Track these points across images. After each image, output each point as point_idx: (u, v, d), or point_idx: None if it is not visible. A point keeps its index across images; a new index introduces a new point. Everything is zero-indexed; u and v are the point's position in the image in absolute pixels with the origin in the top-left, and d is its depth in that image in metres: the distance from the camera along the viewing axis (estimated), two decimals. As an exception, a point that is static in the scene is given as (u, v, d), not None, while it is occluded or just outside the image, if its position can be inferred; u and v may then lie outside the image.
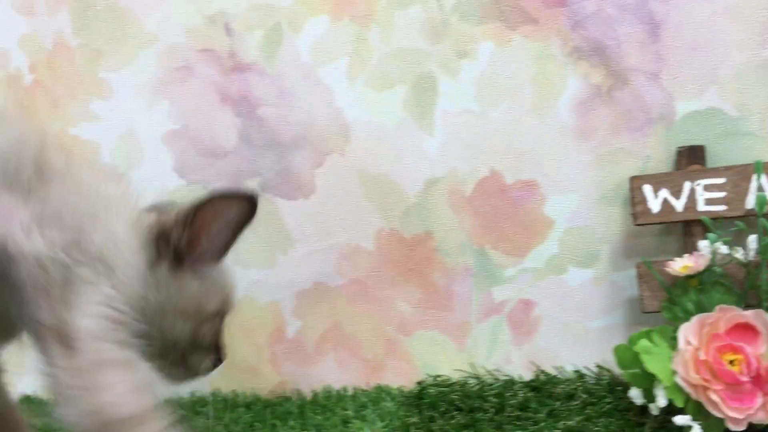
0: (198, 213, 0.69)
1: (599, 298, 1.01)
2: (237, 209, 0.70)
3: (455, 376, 1.06)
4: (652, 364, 0.84)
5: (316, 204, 1.09)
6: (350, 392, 1.09)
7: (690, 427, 0.80)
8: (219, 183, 1.13)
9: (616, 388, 0.94)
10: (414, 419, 0.97)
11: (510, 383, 1.02)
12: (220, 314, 0.74)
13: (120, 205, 0.68)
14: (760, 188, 0.87)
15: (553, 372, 1.02)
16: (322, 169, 1.09)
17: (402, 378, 1.09)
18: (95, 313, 0.62)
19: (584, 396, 0.95)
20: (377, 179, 1.07)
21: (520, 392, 0.99)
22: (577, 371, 1.01)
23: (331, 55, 1.06)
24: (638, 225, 0.93)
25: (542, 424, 0.90)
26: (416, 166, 1.05)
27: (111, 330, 0.62)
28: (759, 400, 0.80)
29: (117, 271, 0.64)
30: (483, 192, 1.04)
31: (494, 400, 0.98)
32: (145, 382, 0.64)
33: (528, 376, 1.03)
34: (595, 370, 1.00)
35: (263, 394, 1.12)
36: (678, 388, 0.82)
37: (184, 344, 0.72)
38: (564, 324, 1.03)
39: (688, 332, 0.83)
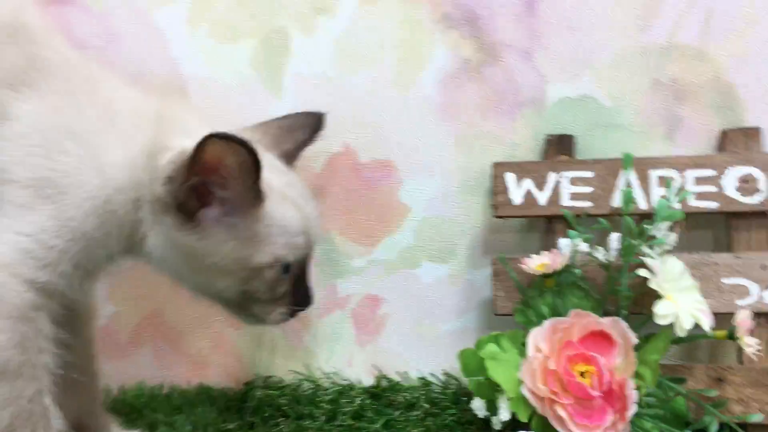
0: (192, 161, 0.60)
1: (453, 297, 0.91)
2: (229, 153, 0.60)
3: (288, 378, 0.93)
4: (496, 372, 0.73)
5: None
6: (166, 391, 0.94)
7: (532, 446, 0.71)
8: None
9: (461, 398, 0.85)
10: (231, 426, 0.83)
11: (348, 388, 0.90)
12: (282, 263, 0.66)
13: (127, 127, 0.64)
14: (627, 184, 0.79)
15: (396, 378, 0.91)
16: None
17: (228, 377, 0.95)
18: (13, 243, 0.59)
19: (426, 406, 0.85)
20: (214, 146, 0.93)
21: (358, 398, 0.87)
22: (422, 378, 0.90)
23: (170, -4, 0.91)
24: (498, 217, 0.83)
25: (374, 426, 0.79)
26: (260, 133, 0.92)
27: (27, 266, 0.59)
28: (609, 418, 0.71)
29: (67, 200, 0.60)
30: (334, 170, 0.91)
31: (327, 406, 0.86)
32: (22, 337, 0.58)
33: (369, 381, 0.91)
34: (442, 378, 0.90)
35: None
36: (523, 400, 0.72)
37: (233, 300, 0.67)
38: (413, 325, 0.92)
39: (538, 338, 0.73)
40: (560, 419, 0.71)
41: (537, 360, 0.72)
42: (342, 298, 0.93)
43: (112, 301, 0.96)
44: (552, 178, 0.82)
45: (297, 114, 0.78)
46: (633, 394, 0.71)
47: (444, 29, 0.87)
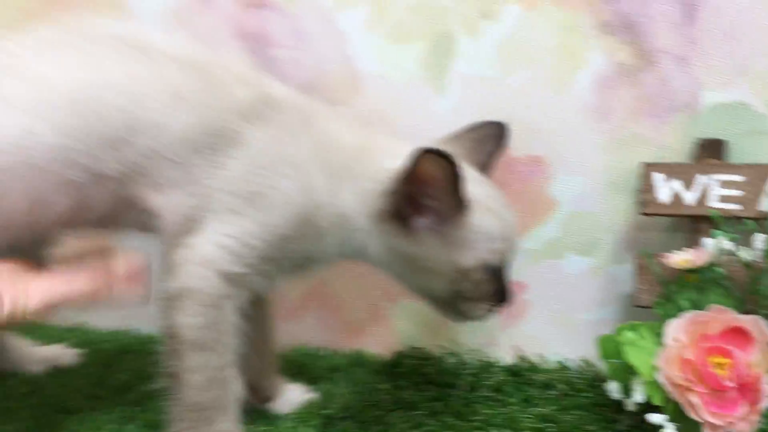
0: (407, 174, 0.70)
1: (594, 289, 0.96)
2: (440, 168, 0.68)
3: (435, 351, 1.01)
4: (633, 357, 0.78)
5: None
6: (325, 353, 1.06)
7: (663, 428, 0.75)
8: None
9: (596, 383, 0.89)
10: (383, 386, 0.93)
11: (488, 365, 0.97)
12: (486, 266, 0.75)
13: (334, 156, 0.74)
14: (772, 183, 0.81)
15: (535, 360, 0.97)
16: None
17: (380, 346, 1.05)
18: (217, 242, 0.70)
19: (562, 387, 0.91)
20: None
21: (498, 374, 0.94)
22: (559, 362, 0.96)
23: (352, 1, 1.02)
24: (644, 215, 0.88)
25: (514, 408, 0.86)
26: (423, 126, 1.01)
27: (226, 262, 0.70)
28: (742, 409, 0.74)
29: (275, 212, 0.71)
30: (489, 163, 0.99)
31: (469, 378, 0.94)
32: (222, 321, 0.70)
33: (508, 360, 0.98)
34: (579, 363, 0.95)
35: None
36: (658, 386, 0.76)
37: (444, 298, 0.77)
38: (554, 312, 0.98)
39: (677, 328, 0.77)
40: (693, 406, 0.75)
41: (674, 348, 0.76)
42: (488, 282, 1.00)
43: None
44: (701, 179, 0.85)
45: (482, 125, 0.85)
46: (766, 389, 0.73)
47: (601, 35, 0.93)
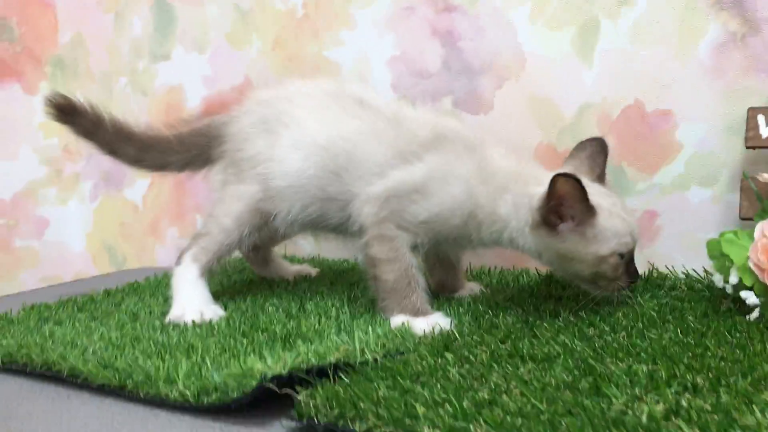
0: (549, 194, 0.98)
1: (715, 214, 1.19)
2: (571, 187, 0.95)
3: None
4: (730, 250, 1.02)
5: (492, 119, 1.38)
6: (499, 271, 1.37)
7: (752, 302, 0.98)
8: (422, 99, 1.47)
9: (711, 284, 1.12)
10: (540, 287, 1.22)
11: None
12: (617, 254, 1.00)
13: (489, 178, 1.06)
14: None
15: (663, 271, 1.22)
16: (501, 91, 1.38)
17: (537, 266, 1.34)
18: (382, 210, 1.08)
19: (685, 288, 1.15)
20: (542, 102, 1.33)
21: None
22: (685, 272, 1.19)
23: (518, 0, 1.34)
24: (749, 148, 1.11)
25: (640, 299, 1.11)
26: (575, 93, 1.30)
27: (384, 230, 1.08)
28: (815, 286, 0.95)
29: (446, 210, 1.07)
30: (626, 118, 1.26)
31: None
32: (396, 251, 1.07)
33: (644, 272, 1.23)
34: (702, 273, 1.18)
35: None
36: (749, 270, 0.99)
37: (587, 278, 1.03)
38: (681, 235, 1.22)
39: (765, 227, 1.00)
40: (775, 284, 0.97)
41: (762, 241, 0.99)
42: (628, 213, 1.27)
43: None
44: (795, 118, 1.07)
45: (587, 142, 1.11)
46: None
47: (716, 11, 1.17)
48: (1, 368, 1.03)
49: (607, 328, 0.97)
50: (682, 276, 1.20)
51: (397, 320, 1.05)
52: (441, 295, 1.22)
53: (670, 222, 1.23)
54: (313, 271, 1.47)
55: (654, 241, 1.25)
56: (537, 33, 1.33)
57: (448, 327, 1.02)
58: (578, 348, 0.89)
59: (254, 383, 0.80)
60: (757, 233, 1.00)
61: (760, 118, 1.10)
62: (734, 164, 1.17)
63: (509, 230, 1.06)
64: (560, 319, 1.03)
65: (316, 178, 1.13)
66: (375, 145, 1.11)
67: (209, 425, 0.82)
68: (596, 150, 1.11)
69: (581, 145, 1.12)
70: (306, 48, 1.62)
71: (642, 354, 0.86)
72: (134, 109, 1.95)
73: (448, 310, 1.11)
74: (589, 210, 0.98)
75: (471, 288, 1.24)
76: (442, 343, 0.95)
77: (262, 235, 1.22)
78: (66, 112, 1.22)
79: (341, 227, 1.16)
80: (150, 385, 0.87)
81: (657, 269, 1.22)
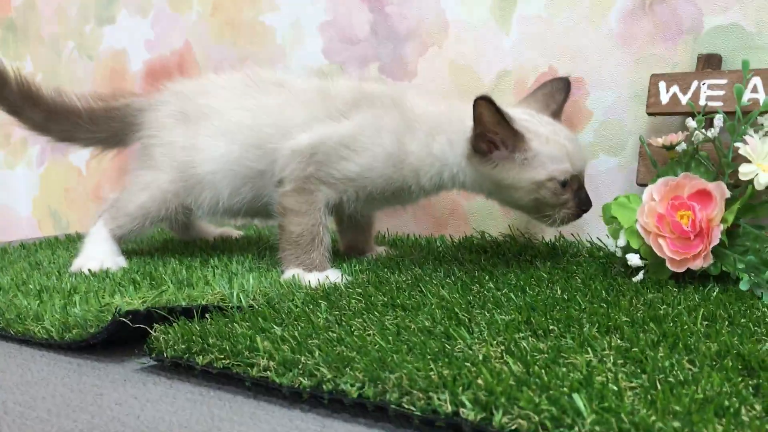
0: (473, 119, 0.98)
1: (621, 182, 1.20)
2: (485, 108, 0.96)
3: (495, 235, 1.29)
4: (618, 213, 1.02)
5: (416, 86, 1.38)
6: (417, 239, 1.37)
7: (635, 263, 0.98)
8: (351, 65, 1.47)
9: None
10: (449, 252, 1.22)
11: (530, 243, 1.23)
12: (556, 180, 1.00)
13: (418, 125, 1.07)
14: (745, 84, 1.01)
15: (570, 239, 1.22)
16: (424, 57, 1.38)
17: (458, 234, 1.35)
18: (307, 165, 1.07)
19: (586, 255, 1.15)
20: (462, 69, 1.33)
21: (537, 248, 1.20)
22: (589, 240, 1.20)
23: (443, -34, 1.34)
24: (650, 114, 1.11)
25: (538, 263, 1.12)
26: (493, 60, 1.30)
27: (304, 184, 1.07)
28: (698, 249, 0.96)
29: (375, 163, 1.06)
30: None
31: (515, 250, 1.20)
32: (308, 205, 1.06)
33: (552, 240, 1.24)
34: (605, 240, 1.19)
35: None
36: (636, 233, 1.00)
37: (531, 207, 1.03)
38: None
39: (653, 190, 1.00)
40: (660, 247, 0.97)
41: (649, 204, 1.00)
42: (540, 180, 1.27)
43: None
44: (694, 84, 1.07)
45: (551, 81, 1.12)
46: (718, 233, 0.94)
47: (628, -22, 1.17)
48: None
49: (491, 285, 0.97)
50: (588, 244, 1.20)
51: (289, 273, 1.05)
52: (349, 256, 1.23)
53: (579, 190, 1.23)
54: (236, 233, 1.47)
55: (563, 209, 1.25)
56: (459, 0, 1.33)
57: (339, 281, 1.02)
58: (453, 300, 0.90)
59: (110, 318, 0.80)
60: (645, 196, 1.01)
61: (661, 85, 1.10)
62: (640, 132, 1.17)
63: (449, 168, 1.06)
64: (451, 277, 1.03)
65: (243, 158, 1.13)
66: (299, 109, 1.12)
67: (68, 360, 0.82)
68: (556, 88, 1.11)
69: (544, 84, 1.12)
70: (243, 13, 1.61)
71: (510, 306, 0.86)
72: (80, 74, 1.95)
73: (347, 269, 1.11)
74: (515, 135, 0.99)
75: (379, 251, 1.24)
76: (323, 293, 0.95)
77: (174, 221, 1.22)
78: None
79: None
80: (20, 323, 0.88)
81: (563, 237, 1.23)
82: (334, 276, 1.04)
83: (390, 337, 0.75)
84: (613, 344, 0.71)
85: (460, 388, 0.59)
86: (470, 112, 0.99)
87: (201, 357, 0.74)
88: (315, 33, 1.51)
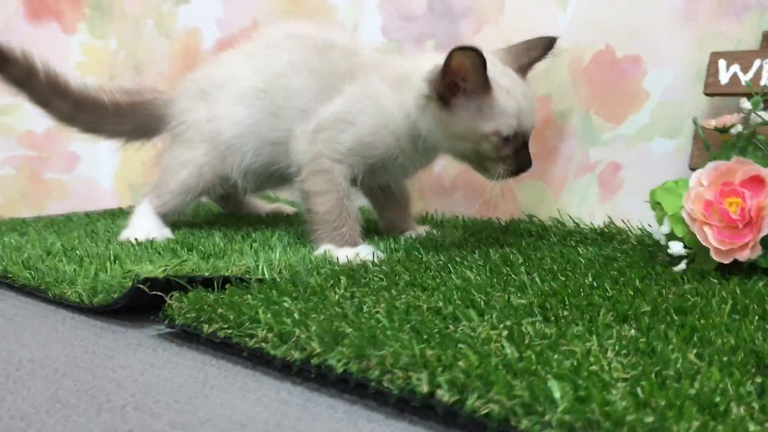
0: (445, 66, 0.96)
1: (678, 166, 1.13)
2: (470, 57, 0.94)
3: (547, 222, 1.25)
4: (663, 198, 0.96)
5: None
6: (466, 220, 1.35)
7: (676, 251, 0.93)
8: (408, 43, 1.45)
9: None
10: (495, 235, 1.19)
11: (579, 228, 1.18)
12: (500, 135, 0.99)
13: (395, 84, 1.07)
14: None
15: (620, 226, 1.16)
16: (480, 35, 1.34)
17: (507, 216, 1.31)
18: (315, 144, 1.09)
19: (634, 242, 1.09)
20: (518, 46, 1.29)
21: (583, 234, 1.15)
22: (641, 228, 1.14)
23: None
24: (707, 95, 1.04)
25: (581, 249, 1.07)
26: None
27: (330, 152, 1.08)
28: (746, 239, 0.89)
29: (363, 129, 1.07)
30: (597, 63, 1.20)
31: (561, 234, 1.16)
32: (330, 181, 1.07)
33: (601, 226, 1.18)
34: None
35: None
36: (681, 220, 0.94)
37: (472, 157, 1.04)
38: (643, 188, 1.16)
39: (702, 175, 0.94)
40: (705, 235, 0.91)
41: (696, 189, 0.93)
42: (592, 163, 1.21)
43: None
44: (756, 63, 0.99)
45: (537, 38, 1.09)
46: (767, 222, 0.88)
47: (691, -51, 1.10)
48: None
49: (522, 269, 0.94)
50: (639, 231, 1.14)
51: (321, 249, 1.05)
52: (389, 234, 1.22)
53: (632, 175, 1.17)
54: (289, 210, 1.48)
55: (616, 194, 1.19)
56: (516, -26, 1.29)
57: (369, 258, 1.02)
58: (476, 282, 0.87)
59: (130, 284, 0.82)
60: (692, 181, 0.95)
61: (721, 63, 1.02)
62: (700, 114, 1.10)
63: (416, 123, 1.05)
64: (484, 260, 1.00)
65: (261, 122, 1.16)
66: (305, 79, 1.13)
67: (93, 323, 0.85)
68: (535, 44, 1.09)
69: (528, 40, 1.10)
70: None
71: (530, 290, 0.83)
72: (157, 52, 2.01)
73: (383, 247, 1.10)
74: (485, 84, 0.97)
75: (420, 230, 1.23)
76: (348, 270, 0.95)
77: (217, 195, 1.28)
78: None
79: (290, 175, 1.16)
80: (57, 286, 0.92)
81: (614, 223, 1.17)
82: (364, 252, 1.03)
83: (395, 316, 0.74)
84: (623, 333, 0.67)
85: (440, 369, 0.58)
86: (438, 60, 0.98)
87: (207, 326, 0.75)
88: (374, 9, 1.50)
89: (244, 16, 1.77)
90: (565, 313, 0.75)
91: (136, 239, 1.14)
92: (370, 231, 1.25)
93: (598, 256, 1.03)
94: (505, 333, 0.68)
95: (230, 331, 0.73)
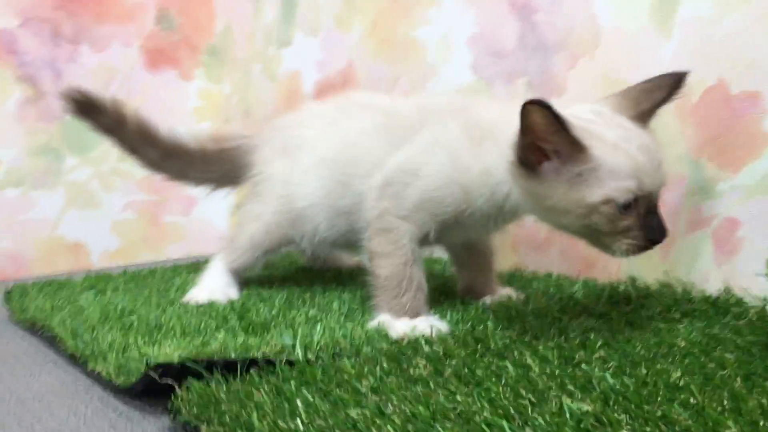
0: (521, 126, 0.81)
1: (809, 226, 0.92)
2: (540, 115, 0.78)
3: (652, 285, 1.07)
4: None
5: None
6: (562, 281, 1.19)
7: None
8: (498, 81, 1.32)
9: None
10: (585, 302, 1.04)
11: (689, 296, 1.00)
12: (615, 203, 0.81)
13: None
14: None
15: (739, 293, 0.97)
16: (575, 71, 1.19)
17: (607, 276, 1.15)
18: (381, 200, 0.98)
19: (755, 317, 0.90)
20: (617, 82, 1.13)
21: (695, 304, 0.97)
22: (764, 297, 0.94)
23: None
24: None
25: (684, 324, 0.90)
26: (651, 71, 1.08)
27: (394, 208, 0.97)
28: None
29: (406, 190, 0.96)
30: (708, 101, 1.02)
31: (666, 304, 0.98)
32: (392, 244, 0.96)
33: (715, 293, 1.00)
34: (785, 299, 0.92)
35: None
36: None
37: (585, 233, 0.86)
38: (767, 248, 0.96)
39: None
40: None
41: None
42: (705, 219, 1.03)
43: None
44: None
45: (661, 76, 0.90)
46: None
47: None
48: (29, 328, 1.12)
49: (600, 354, 0.79)
50: (761, 302, 0.94)
51: (377, 320, 0.95)
52: (467, 299, 1.09)
53: (754, 233, 0.97)
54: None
55: (734, 256, 1.00)
56: (613, 2, 1.13)
57: (427, 332, 0.90)
58: (533, 374, 0.74)
59: (142, 370, 0.76)
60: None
61: None
62: (836, 162, 0.89)
63: (500, 185, 0.90)
64: (558, 339, 0.86)
65: (333, 193, 1.08)
66: (373, 140, 1.04)
67: (115, 406, 0.81)
68: (659, 84, 0.89)
69: (650, 78, 0.91)
70: (398, 29, 1.54)
71: (596, 388, 0.69)
72: (264, 95, 2.01)
73: (449, 316, 0.99)
74: (572, 143, 0.80)
75: (504, 293, 1.09)
76: (394, 350, 0.84)
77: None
78: (83, 109, 1.23)
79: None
80: (92, 359, 0.88)
81: (732, 291, 0.98)
82: (423, 325, 0.92)
83: (414, 423, 0.62)
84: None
85: None
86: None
87: (205, 427, 0.67)
88: (464, 48, 1.39)
89: (340, 58, 1.72)
90: (628, 423, 0.60)
91: (197, 302, 1.09)
92: (447, 292, 1.13)
93: (703, 336, 0.85)
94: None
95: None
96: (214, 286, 1.15)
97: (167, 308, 1.07)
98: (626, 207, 0.82)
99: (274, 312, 1.01)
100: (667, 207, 1.06)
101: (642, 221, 0.83)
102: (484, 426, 0.62)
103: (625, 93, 0.90)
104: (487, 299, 1.08)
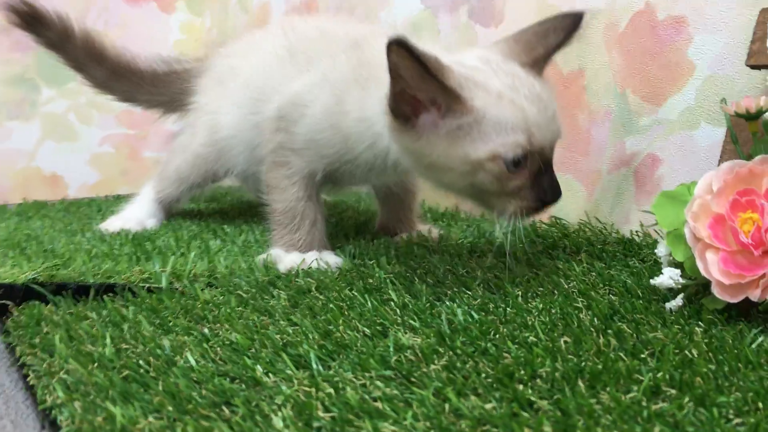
0: (389, 72, 0.69)
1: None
2: (401, 57, 0.67)
3: (574, 224, 1.01)
4: (661, 209, 0.72)
5: (502, 32, 1.13)
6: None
7: (665, 284, 0.69)
8: (443, 10, 1.25)
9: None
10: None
11: (604, 238, 0.94)
12: (503, 159, 0.71)
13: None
14: None
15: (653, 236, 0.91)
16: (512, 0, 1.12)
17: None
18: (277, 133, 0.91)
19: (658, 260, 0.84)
20: (550, 9, 1.05)
21: (610, 245, 0.91)
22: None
23: None
24: (750, 66, 0.76)
25: (582, 272, 0.84)
26: (583, -4, 1.01)
27: (278, 157, 0.91)
28: (761, 272, 0.63)
29: (297, 126, 0.89)
30: (635, 28, 0.94)
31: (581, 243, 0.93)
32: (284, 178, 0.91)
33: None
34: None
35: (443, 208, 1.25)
36: (682, 240, 0.69)
37: (470, 194, 0.77)
38: (685, 188, 0.89)
39: (714, 178, 0.68)
40: (706, 262, 0.66)
41: (702, 199, 0.68)
42: (628, 156, 0.96)
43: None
44: (818, 22, 0.70)
45: (556, 16, 0.79)
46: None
47: None
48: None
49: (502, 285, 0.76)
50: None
51: (268, 252, 0.92)
52: (379, 235, 1.05)
53: (673, 171, 0.91)
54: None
55: (653, 195, 0.93)
56: None
57: (314, 265, 0.87)
58: (382, 311, 0.70)
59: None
60: (699, 187, 0.69)
61: (773, 24, 0.74)
62: (754, 92, 0.82)
63: (381, 136, 0.80)
64: (442, 277, 0.82)
65: (245, 122, 1.01)
66: (275, 66, 0.97)
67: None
68: (556, 25, 0.79)
69: (545, 20, 0.80)
70: None
71: (425, 330, 0.65)
72: (239, 27, 1.96)
73: (357, 253, 0.94)
74: (447, 91, 0.69)
75: (424, 231, 1.04)
76: (268, 282, 0.81)
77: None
78: (28, 20, 1.16)
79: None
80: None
81: (646, 231, 0.92)
82: (311, 259, 0.88)
83: (226, 352, 0.60)
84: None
85: None
86: None
87: (20, 346, 0.65)
88: (414, -25, 1.32)
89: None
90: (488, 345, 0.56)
91: (106, 230, 1.08)
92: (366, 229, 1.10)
93: (597, 277, 0.80)
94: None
95: (39, 356, 0.63)
96: (130, 216, 1.13)
97: (76, 236, 1.05)
98: (516, 164, 0.71)
99: (172, 241, 0.99)
100: (593, 144, 1.00)
101: (533, 181, 0.74)
102: (294, 355, 0.58)
103: (517, 37, 0.80)
104: (402, 235, 1.03)
